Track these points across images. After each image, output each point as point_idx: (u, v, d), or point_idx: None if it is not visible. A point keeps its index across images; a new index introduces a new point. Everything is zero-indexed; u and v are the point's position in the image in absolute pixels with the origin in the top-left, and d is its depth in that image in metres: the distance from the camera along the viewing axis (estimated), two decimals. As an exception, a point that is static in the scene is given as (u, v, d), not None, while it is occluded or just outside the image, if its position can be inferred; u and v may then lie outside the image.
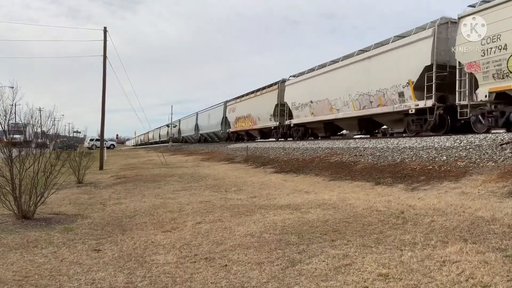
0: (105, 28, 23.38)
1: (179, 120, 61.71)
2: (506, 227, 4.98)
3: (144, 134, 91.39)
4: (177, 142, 59.77)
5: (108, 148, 52.16)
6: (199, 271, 4.24)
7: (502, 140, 9.64)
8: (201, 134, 47.19)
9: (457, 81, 13.06)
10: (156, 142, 69.56)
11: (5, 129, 7.45)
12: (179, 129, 59.87)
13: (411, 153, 11.36)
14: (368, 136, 20.06)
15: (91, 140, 52.26)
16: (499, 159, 8.66)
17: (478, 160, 9.02)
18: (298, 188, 10.25)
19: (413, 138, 13.50)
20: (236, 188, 10.91)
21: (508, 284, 3.32)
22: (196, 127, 48.53)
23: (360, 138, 19.39)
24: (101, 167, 21.59)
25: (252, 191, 10.30)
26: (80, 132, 30.93)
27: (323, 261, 4.30)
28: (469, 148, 9.94)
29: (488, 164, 8.65)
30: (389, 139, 14.79)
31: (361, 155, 13.09)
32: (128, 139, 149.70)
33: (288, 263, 4.30)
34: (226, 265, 4.39)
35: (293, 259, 4.44)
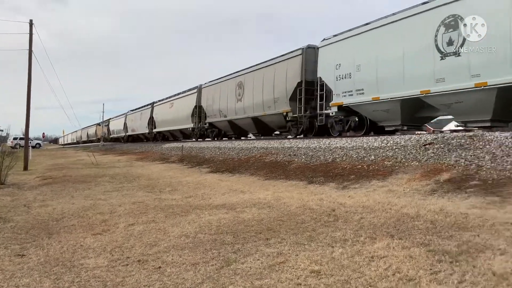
0: (31, 21, 22.35)
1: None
2: (429, 223, 5.29)
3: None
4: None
5: (33, 147, 49.47)
6: (131, 274, 4.12)
7: (425, 140, 10.24)
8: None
9: None
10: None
11: None
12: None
13: (341, 153, 11.77)
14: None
15: (15, 139, 49.34)
16: (423, 158, 9.19)
17: (404, 160, 9.52)
18: (233, 187, 10.26)
19: (344, 139, 13.96)
20: (170, 188, 10.73)
21: (431, 277, 3.52)
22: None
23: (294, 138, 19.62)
24: (25, 168, 20.38)
25: (187, 191, 10.18)
26: (2, 131, 28.89)
27: (258, 259, 4.33)
28: (395, 148, 10.46)
29: (412, 163, 9.15)
30: (321, 139, 15.20)
31: (295, 154, 13.36)
32: (57, 138, 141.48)
33: (223, 263, 4.30)
34: (160, 267, 4.30)
35: (228, 258, 4.44)
